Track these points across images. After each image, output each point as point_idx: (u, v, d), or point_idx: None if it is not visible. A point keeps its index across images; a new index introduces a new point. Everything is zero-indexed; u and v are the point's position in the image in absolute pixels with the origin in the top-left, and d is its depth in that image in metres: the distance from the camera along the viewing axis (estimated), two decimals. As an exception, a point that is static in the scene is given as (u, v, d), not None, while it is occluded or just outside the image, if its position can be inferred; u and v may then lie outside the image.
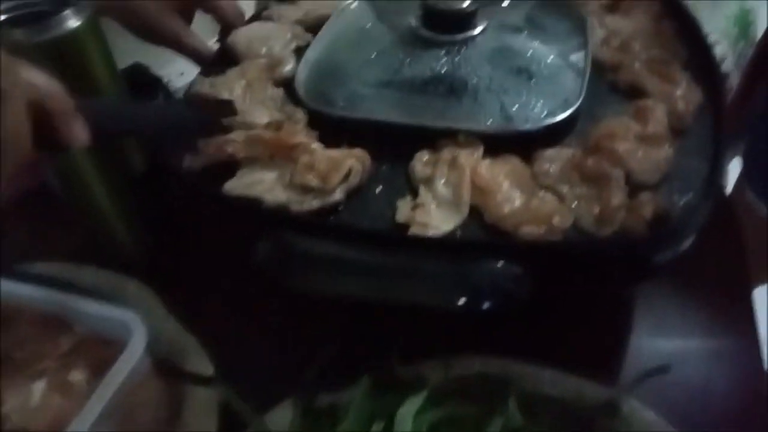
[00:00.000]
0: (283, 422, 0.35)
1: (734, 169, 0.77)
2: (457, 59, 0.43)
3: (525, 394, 0.34)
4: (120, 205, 0.45)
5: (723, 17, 1.32)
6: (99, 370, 0.34)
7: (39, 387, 0.33)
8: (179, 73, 0.70)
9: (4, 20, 0.39)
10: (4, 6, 0.39)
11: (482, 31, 0.44)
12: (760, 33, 1.43)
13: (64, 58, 0.37)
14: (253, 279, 0.37)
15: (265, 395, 0.37)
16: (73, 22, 0.37)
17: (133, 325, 0.35)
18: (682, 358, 0.40)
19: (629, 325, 0.41)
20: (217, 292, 0.46)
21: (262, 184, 0.39)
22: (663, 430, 0.33)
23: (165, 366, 0.38)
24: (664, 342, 0.41)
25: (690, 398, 0.37)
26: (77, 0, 0.39)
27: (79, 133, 0.31)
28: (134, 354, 0.33)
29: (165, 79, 0.69)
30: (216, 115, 0.40)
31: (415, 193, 0.37)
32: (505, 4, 0.50)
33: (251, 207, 0.37)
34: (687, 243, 0.34)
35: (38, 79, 0.30)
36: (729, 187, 0.75)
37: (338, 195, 0.36)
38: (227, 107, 0.40)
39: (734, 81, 1.27)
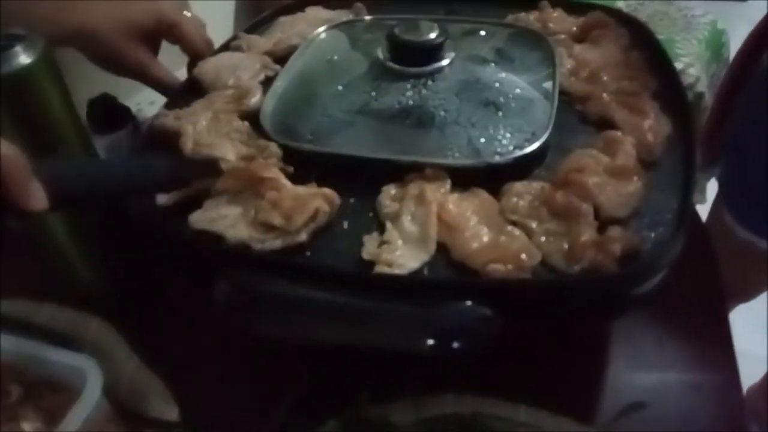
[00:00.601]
0: (246, 471, 0.34)
1: (711, 188, 0.78)
2: (424, 92, 0.42)
3: (497, 435, 0.33)
4: (80, 240, 0.43)
5: (695, 41, 1.35)
6: (52, 418, 0.33)
7: (-17, 443, 0.31)
8: (149, 102, 0.69)
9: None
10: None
11: (450, 63, 0.44)
12: (732, 53, 1.46)
13: (16, 98, 0.36)
14: (217, 319, 0.36)
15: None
16: (24, 59, 0.36)
17: (89, 370, 0.33)
18: (660, 392, 0.39)
19: (606, 359, 0.41)
20: (182, 332, 0.44)
21: (225, 219, 0.38)
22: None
23: (126, 410, 0.37)
24: (642, 375, 0.40)
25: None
26: (27, 34, 0.38)
27: (36, 200, 0.29)
28: (90, 401, 0.32)
29: (135, 108, 0.68)
30: (197, 174, 0.38)
31: (382, 228, 0.36)
32: (474, 33, 0.50)
33: (211, 244, 0.36)
34: (658, 278, 0.34)
35: None
36: (707, 204, 0.75)
37: (303, 236, 0.35)
38: (211, 167, 0.39)
39: (708, 101, 1.29)
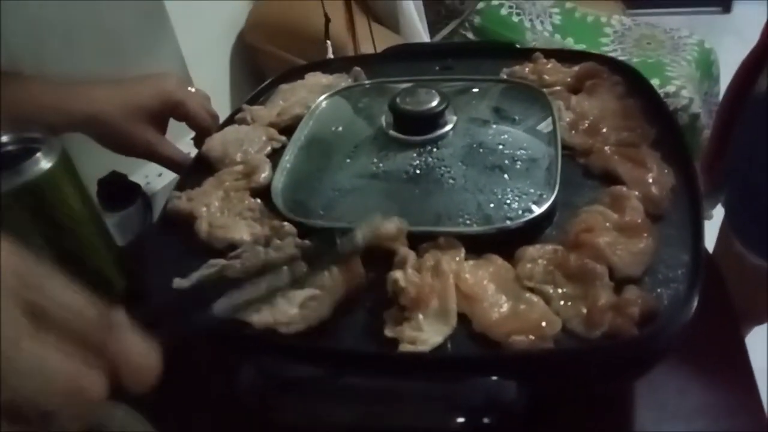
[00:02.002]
0: None
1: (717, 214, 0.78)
2: (429, 159, 0.43)
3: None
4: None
5: (685, 62, 1.37)
6: None
7: None
8: (157, 174, 0.70)
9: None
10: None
11: (452, 128, 0.45)
12: (721, 68, 1.48)
13: (39, 201, 0.37)
14: (241, 406, 0.36)
15: None
16: (45, 164, 0.37)
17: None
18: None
19: (631, 413, 0.41)
20: (207, 418, 0.44)
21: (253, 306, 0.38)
22: None
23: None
24: (669, 426, 0.40)
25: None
26: (45, 138, 0.39)
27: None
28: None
29: (144, 181, 0.69)
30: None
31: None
32: (471, 91, 0.51)
33: (238, 330, 0.36)
34: (678, 335, 0.34)
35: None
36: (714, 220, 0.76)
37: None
38: None
39: (703, 122, 1.30)
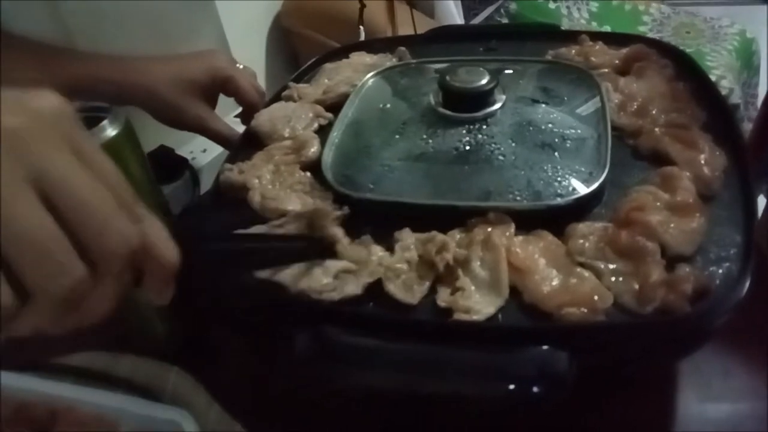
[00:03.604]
0: None
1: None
2: (479, 136, 0.44)
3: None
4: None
5: (725, 51, 1.34)
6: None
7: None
8: (202, 149, 0.72)
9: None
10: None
11: (502, 106, 0.45)
12: (763, 60, 1.45)
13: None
14: (290, 370, 0.37)
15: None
16: (110, 131, 0.39)
17: (184, 422, 0.35)
18: (733, 423, 0.39)
19: (675, 392, 0.41)
20: (259, 379, 0.46)
21: (287, 274, 0.39)
22: None
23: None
24: (712, 407, 0.40)
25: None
26: (110, 108, 0.40)
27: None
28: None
29: (189, 156, 0.71)
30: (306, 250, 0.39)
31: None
32: (518, 72, 0.51)
33: (287, 297, 0.37)
34: (729, 314, 0.34)
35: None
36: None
37: (358, 289, 0.36)
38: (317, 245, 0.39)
39: (743, 112, 1.28)
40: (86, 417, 0.37)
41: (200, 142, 0.74)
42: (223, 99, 0.64)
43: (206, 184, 0.59)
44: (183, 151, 0.70)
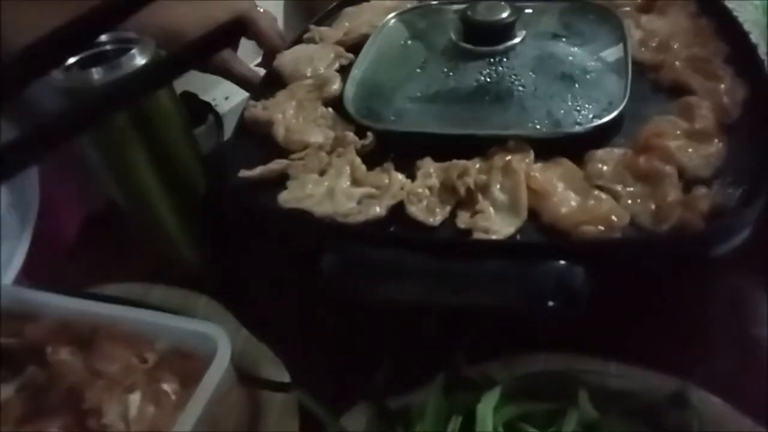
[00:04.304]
0: (358, 424, 0.37)
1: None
2: (500, 69, 0.44)
3: (592, 389, 0.35)
4: (185, 222, 0.47)
5: (752, 7, 1.31)
6: (187, 381, 0.37)
7: (135, 399, 0.35)
8: (224, 97, 0.73)
9: (74, 62, 0.42)
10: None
11: (522, 40, 0.46)
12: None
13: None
14: (318, 289, 0.39)
15: (336, 401, 0.39)
16: (140, 60, 0.40)
17: (218, 336, 0.37)
18: (749, 347, 0.40)
19: (691, 317, 0.42)
20: (285, 303, 0.48)
21: (312, 198, 0.41)
22: (735, 419, 0.33)
23: (244, 375, 0.40)
24: (728, 334, 0.41)
25: (761, 390, 0.37)
26: (140, 38, 0.42)
27: None
28: (222, 365, 0.35)
29: (212, 103, 0.72)
30: None
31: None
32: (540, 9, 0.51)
33: (313, 219, 0.39)
34: (744, 235, 0.35)
35: None
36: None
37: (382, 211, 0.38)
38: None
39: None
40: (125, 333, 0.39)
41: (222, 89, 0.75)
42: (242, 51, 0.65)
43: (229, 130, 0.60)
44: (205, 99, 0.71)
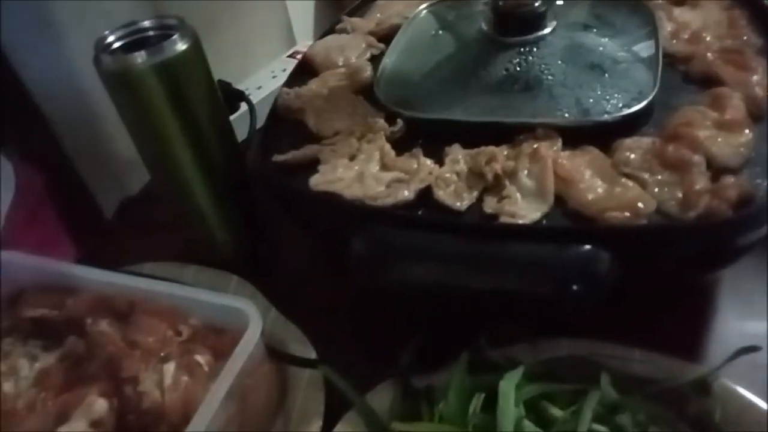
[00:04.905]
0: (383, 401, 0.38)
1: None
2: (530, 58, 0.45)
3: (615, 374, 0.36)
4: (219, 206, 0.49)
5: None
6: (219, 354, 0.38)
7: (169, 368, 0.37)
8: (257, 87, 0.75)
9: (118, 47, 0.43)
10: (115, 33, 0.44)
11: (552, 31, 0.46)
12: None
13: (174, 78, 0.42)
14: (346, 270, 0.40)
15: (362, 379, 0.40)
16: (181, 45, 0.41)
17: (249, 311, 0.38)
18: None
19: (716, 307, 0.42)
20: (314, 284, 0.49)
21: (342, 181, 0.42)
22: (757, 407, 0.34)
23: (273, 350, 0.41)
24: (752, 324, 0.41)
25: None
26: (182, 24, 0.43)
27: None
28: (253, 337, 0.37)
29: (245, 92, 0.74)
30: None
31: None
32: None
33: (344, 202, 0.40)
34: (772, 225, 0.35)
35: None
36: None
37: (411, 195, 0.39)
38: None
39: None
40: (161, 307, 0.41)
41: (255, 79, 0.77)
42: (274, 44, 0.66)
43: (261, 119, 0.62)
44: (239, 88, 0.73)
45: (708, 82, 0.43)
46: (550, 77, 0.43)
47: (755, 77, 0.41)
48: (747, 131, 0.38)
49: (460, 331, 0.39)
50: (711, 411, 0.33)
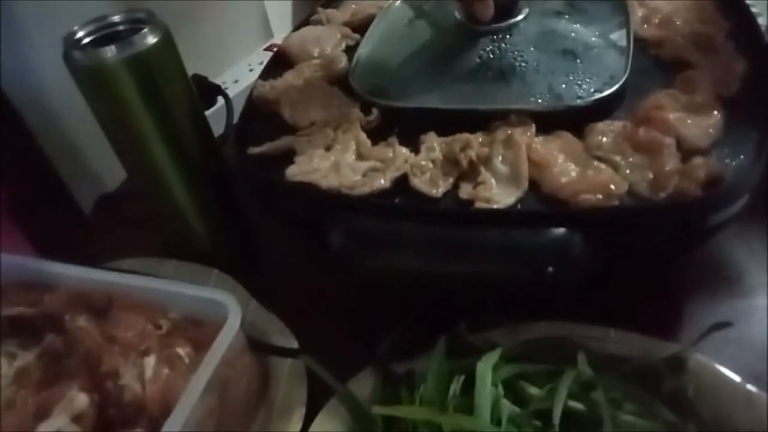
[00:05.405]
0: (364, 389, 0.38)
1: None
2: (503, 45, 0.45)
3: (591, 353, 0.36)
4: (198, 202, 0.49)
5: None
6: (199, 346, 0.38)
7: (150, 361, 0.37)
8: (233, 80, 0.74)
9: (89, 42, 0.43)
10: (84, 28, 0.43)
11: (525, 18, 0.46)
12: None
13: (145, 72, 0.41)
14: (325, 260, 0.40)
15: (343, 368, 0.40)
16: (151, 39, 0.41)
17: (228, 302, 0.38)
18: (746, 315, 0.41)
19: (688, 287, 0.43)
20: (293, 275, 0.49)
21: (318, 172, 0.42)
22: (732, 380, 0.34)
23: (254, 341, 0.41)
24: (725, 301, 0.42)
25: (758, 356, 0.38)
26: (152, 18, 0.43)
27: None
28: (233, 328, 0.37)
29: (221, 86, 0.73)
30: None
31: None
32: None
33: (320, 192, 0.40)
34: (740, 204, 0.36)
35: None
36: None
37: (387, 183, 0.39)
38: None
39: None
40: (139, 302, 0.41)
41: (232, 73, 0.76)
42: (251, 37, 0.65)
43: (238, 112, 0.62)
44: (216, 82, 0.72)
45: (679, 66, 0.44)
46: (523, 64, 0.43)
47: (723, 60, 0.42)
48: (716, 113, 0.38)
49: (439, 319, 0.40)
50: (685, 387, 0.34)
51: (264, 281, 0.49)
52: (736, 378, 0.35)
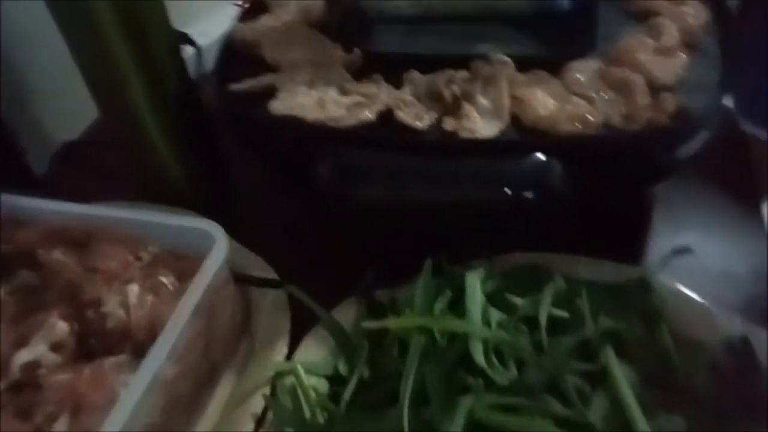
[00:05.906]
0: (348, 317, 0.39)
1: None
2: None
3: (565, 278, 0.38)
4: (175, 142, 0.48)
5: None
6: (183, 276, 0.38)
7: (134, 289, 0.36)
8: (201, 33, 0.73)
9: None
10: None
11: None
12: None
13: (127, 6, 0.41)
14: (309, 193, 0.40)
15: (323, 302, 0.41)
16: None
17: (214, 231, 0.38)
18: (702, 248, 0.44)
19: (651, 220, 0.46)
20: (273, 211, 0.49)
21: (303, 107, 0.42)
22: (694, 300, 0.37)
23: (236, 274, 0.41)
24: (684, 235, 0.45)
25: (715, 282, 0.41)
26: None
27: None
28: (220, 254, 0.37)
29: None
30: None
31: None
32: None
33: (306, 125, 0.40)
34: (702, 139, 0.39)
35: None
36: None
37: (371, 116, 0.40)
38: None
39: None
40: (119, 235, 0.40)
41: (200, 26, 0.75)
42: None
43: (207, 65, 0.61)
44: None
45: (646, 16, 0.46)
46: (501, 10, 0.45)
47: (687, 9, 0.44)
48: (681, 54, 0.41)
49: (420, 252, 0.41)
50: (654, 303, 0.36)
51: (242, 222, 0.48)
52: (698, 298, 0.37)
